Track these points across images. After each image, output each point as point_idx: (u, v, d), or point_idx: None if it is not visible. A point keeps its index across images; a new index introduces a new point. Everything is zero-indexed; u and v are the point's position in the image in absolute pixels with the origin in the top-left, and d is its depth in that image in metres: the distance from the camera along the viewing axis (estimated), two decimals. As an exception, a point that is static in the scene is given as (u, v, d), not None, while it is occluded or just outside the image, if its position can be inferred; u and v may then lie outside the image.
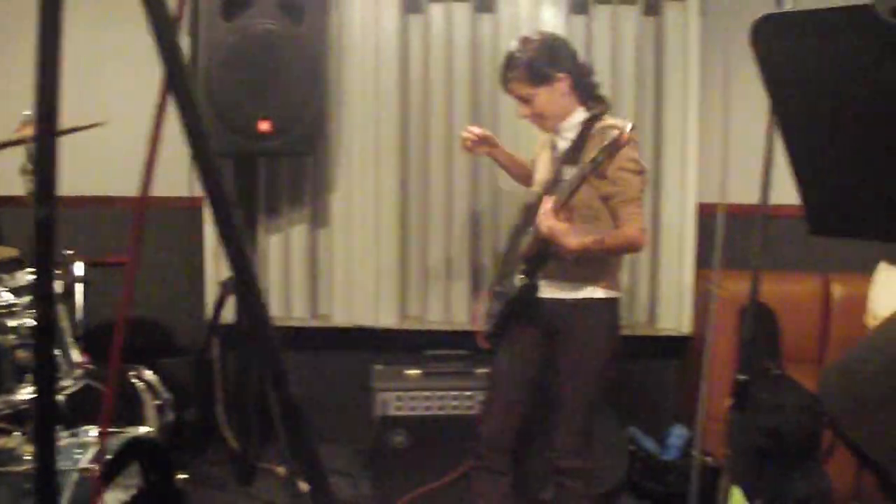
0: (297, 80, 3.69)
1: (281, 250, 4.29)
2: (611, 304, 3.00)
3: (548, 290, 2.98)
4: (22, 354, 2.39)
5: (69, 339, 2.64)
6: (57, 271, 2.52)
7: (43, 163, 1.11)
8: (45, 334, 1.18)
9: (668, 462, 3.85)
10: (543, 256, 2.92)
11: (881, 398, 1.43)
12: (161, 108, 1.28)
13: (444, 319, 4.28)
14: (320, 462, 1.46)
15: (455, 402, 3.71)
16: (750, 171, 2.55)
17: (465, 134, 3.21)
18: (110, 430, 2.54)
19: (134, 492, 2.54)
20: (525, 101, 2.93)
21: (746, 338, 2.37)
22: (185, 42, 3.45)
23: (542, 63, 2.88)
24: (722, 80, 3.95)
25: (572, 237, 2.76)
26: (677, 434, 3.94)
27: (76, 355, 2.64)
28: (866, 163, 1.35)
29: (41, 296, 1.15)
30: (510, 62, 2.93)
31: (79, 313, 2.99)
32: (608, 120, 2.93)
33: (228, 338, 4.04)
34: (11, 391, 2.37)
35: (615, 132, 2.65)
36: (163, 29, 1.18)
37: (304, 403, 1.40)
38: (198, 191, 4.21)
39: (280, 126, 3.69)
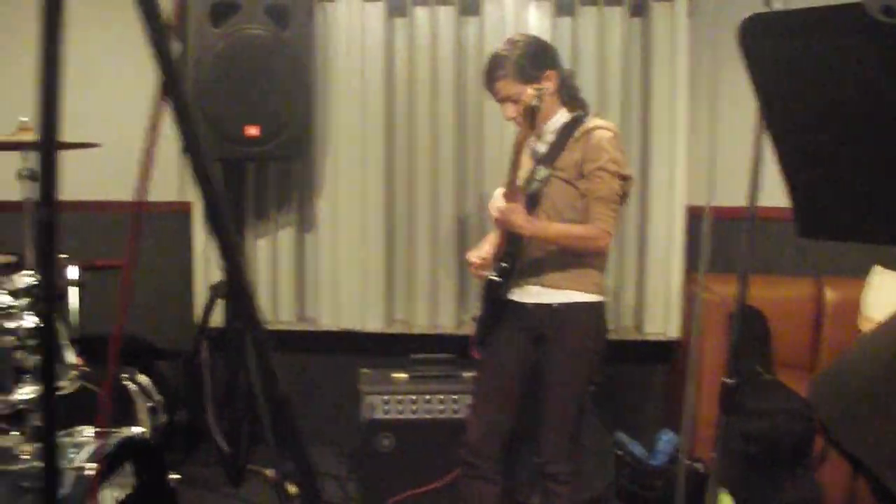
0: (284, 84, 3.72)
1: (268, 253, 4.29)
2: (595, 307, 2.97)
3: (530, 295, 2.96)
4: (20, 355, 2.41)
5: (64, 342, 2.68)
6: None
7: (46, 166, 1.18)
8: (48, 330, 1.23)
9: (656, 467, 3.83)
10: (512, 253, 2.93)
11: (874, 404, 1.41)
12: (156, 115, 1.27)
13: (430, 323, 4.27)
14: (309, 462, 1.47)
15: (442, 406, 3.69)
16: (739, 173, 2.53)
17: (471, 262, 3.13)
18: (105, 429, 2.57)
19: (128, 491, 2.55)
20: (512, 101, 2.91)
21: (735, 342, 2.35)
22: (175, 47, 3.43)
23: (529, 61, 2.88)
24: (710, 81, 3.95)
25: (520, 216, 2.80)
26: (666, 439, 3.92)
27: (71, 357, 2.66)
28: (856, 164, 1.33)
29: (45, 297, 1.25)
30: (497, 61, 2.92)
31: (73, 316, 3.00)
32: (594, 121, 2.93)
33: (218, 341, 4.03)
34: (9, 391, 2.40)
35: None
36: (157, 35, 1.20)
37: (292, 405, 1.39)
38: (187, 195, 4.20)
39: (267, 131, 3.71)
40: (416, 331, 4.28)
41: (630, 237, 4.19)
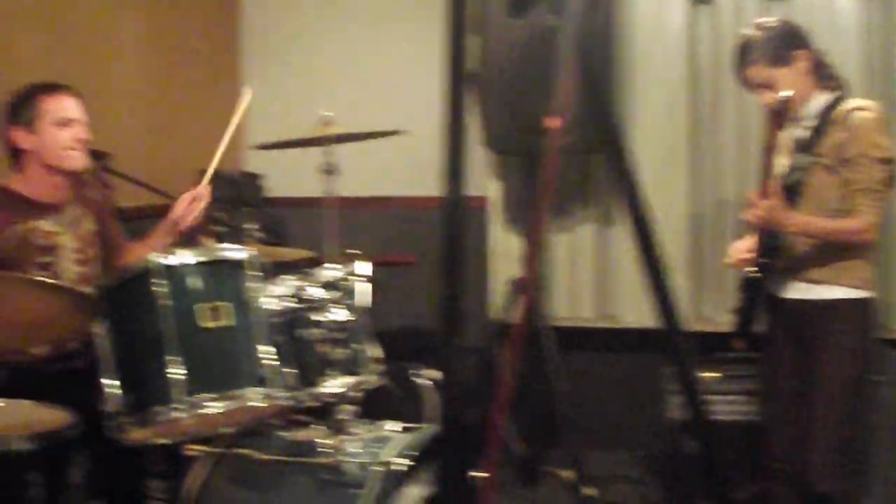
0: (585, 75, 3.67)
1: (568, 249, 4.33)
2: (861, 304, 2.81)
3: (790, 291, 2.89)
4: (326, 348, 2.43)
5: (365, 336, 2.61)
6: (347, 270, 2.58)
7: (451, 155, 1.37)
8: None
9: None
10: (768, 248, 2.87)
11: None
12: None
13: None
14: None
15: (751, 408, 3.47)
16: None
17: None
18: (409, 426, 2.59)
19: (433, 488, 2.49)
20: (766, 87, 2.83)
21: None
22: (474, 41, 3.52)
23: (780, 42, 2.82)
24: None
25: (782, 214, 2.74)
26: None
27: (373, 351, 2.61)
28: None
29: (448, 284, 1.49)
30: (746, 47, 2.87)
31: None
32: (854, 102, 2.80)
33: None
34: (315, 384, 2.41)
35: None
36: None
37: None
38: (484, 191, 4.27)
39: (568, 123, 3.69)
40: (720, 329, 4.06)
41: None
